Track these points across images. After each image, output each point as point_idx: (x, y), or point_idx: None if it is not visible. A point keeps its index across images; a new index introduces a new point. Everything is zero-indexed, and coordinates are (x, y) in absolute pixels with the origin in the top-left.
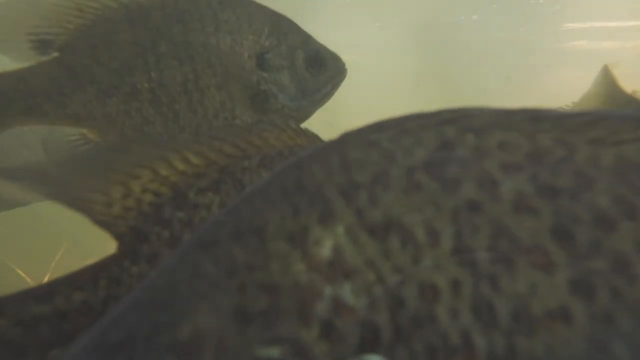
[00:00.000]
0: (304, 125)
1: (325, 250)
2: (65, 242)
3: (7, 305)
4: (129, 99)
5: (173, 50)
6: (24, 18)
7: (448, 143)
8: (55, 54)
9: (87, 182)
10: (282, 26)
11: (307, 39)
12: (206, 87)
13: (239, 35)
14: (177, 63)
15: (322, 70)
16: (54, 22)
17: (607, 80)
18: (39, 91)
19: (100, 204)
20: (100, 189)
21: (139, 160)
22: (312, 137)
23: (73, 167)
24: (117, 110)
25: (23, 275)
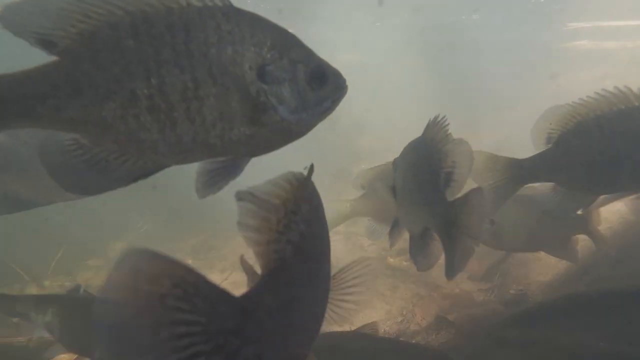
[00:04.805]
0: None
1: None
2: (65, 242)
3: None
4: (126, 105)
5: (174, 58)
6: (32, 19)
7: None
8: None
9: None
10: (285, 40)
11: (309, 54)
12: (205, 97)
13: (241, 46)
14: (178, 71)
15: (323, 85)
16: (58, 24)
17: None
18: (34, 94)
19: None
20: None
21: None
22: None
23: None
24: (113, 116)
25: (23, 274)
